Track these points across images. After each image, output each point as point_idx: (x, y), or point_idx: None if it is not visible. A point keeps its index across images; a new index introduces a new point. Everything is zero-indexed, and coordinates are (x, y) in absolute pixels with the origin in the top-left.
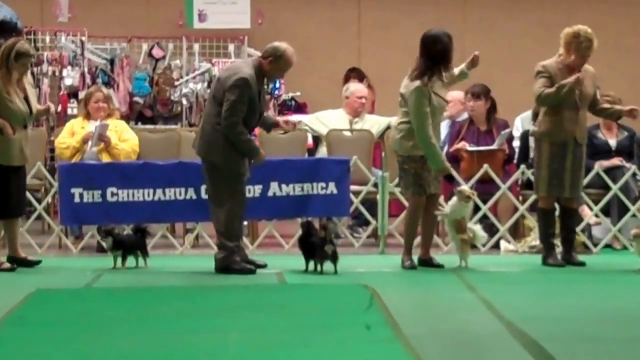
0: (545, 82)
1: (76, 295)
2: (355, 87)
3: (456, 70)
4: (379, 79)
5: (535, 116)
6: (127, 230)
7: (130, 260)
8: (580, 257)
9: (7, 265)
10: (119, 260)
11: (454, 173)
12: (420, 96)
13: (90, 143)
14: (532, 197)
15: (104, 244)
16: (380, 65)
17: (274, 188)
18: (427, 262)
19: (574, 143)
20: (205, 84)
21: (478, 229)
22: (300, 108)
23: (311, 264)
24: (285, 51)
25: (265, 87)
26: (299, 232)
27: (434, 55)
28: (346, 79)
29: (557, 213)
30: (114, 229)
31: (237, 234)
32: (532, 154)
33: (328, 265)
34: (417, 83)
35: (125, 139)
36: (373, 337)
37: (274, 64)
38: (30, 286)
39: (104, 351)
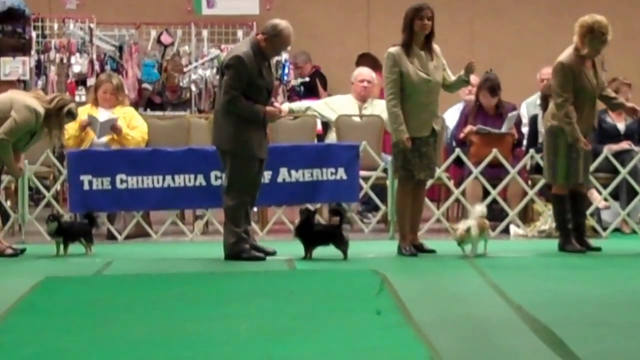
0: (568, 88)
1: (86, 283)
2: (359, 71)
3: (453, 77)
4: None
5: (544, 100)
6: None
7: (79, 248)
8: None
9: (11, 250)
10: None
11: (464, 158)
12: (387, 61)
13: (96, 132)
14: (541, 182)
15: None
16: None
17: (283, 174)
18: (417, 248)
19: (589, 134)
20: (214, 70)
21: (481, 209)
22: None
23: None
24: (283, 30)
25: (275, 72)
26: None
27: (410, 21)
28: (357, 65)
29: None
30: (62, 215)
31: (242, 222)
32: (540, 139)
33: (334, 250)
34: (391, 49)
35: (135, 126)
36: (383, 322)
37: (269, 42)
38: (39, 274)
39: (114, 338)
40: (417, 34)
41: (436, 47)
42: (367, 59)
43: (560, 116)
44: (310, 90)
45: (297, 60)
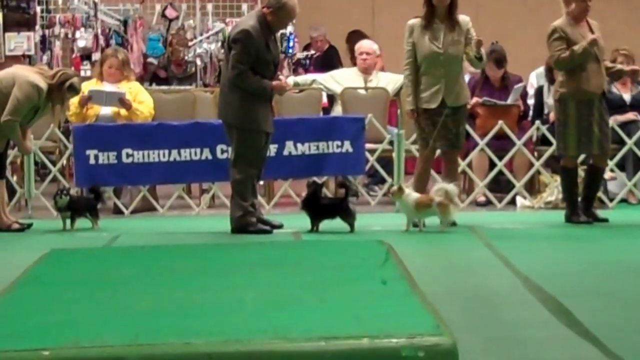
0: (560, 44)
1: (91, 255)
2: (360, 44)
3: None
4: (393, 37)
5: (548, 71)
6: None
7: (86, 223)
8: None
9: (17, 225)
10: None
11: (470, 130)
12: (405, 32)
13: (102, 102)
14: (548, 153)
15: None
16: (394, 24)
17: (289, 147)
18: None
19: (599, 97)
20: (219, 44)
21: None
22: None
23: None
24: (287, 3)
25: (280, 45)
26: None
27: None
28: (347, 41)
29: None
30: (69, 189)
31: (248, 195)
32: (546, 110)
33: (340, 223)
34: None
35: (141, 101)
36: (389, 291)
37: (275, 15)
38: (46, 248)
39: (120, 309)
40: (436, 7)
41: (464, 19)
42: (356, 36)
43: (568, 58)
44: (326, 65)
45: (314, 34)
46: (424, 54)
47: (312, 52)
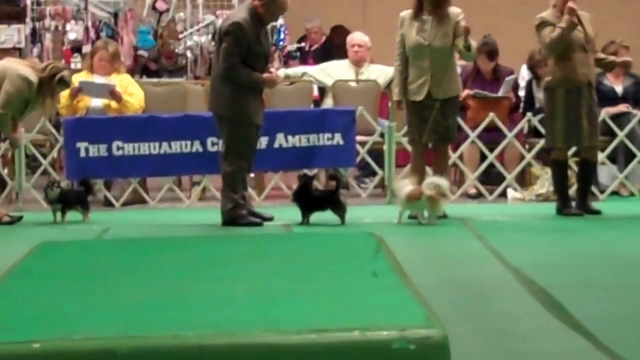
0: (550, 30)
1: (82, 247)
2: (351, 36)
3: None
4: (385, 29)
5: (531, 68)
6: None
7: (76, 215)
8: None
9: (7, 218)
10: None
11: (461, 122)
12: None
13: (92, 94)
14: (539, 145)
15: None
16: (385, 15)
17: (280, 139)
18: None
19: (587, 88)
20: (210, 37)
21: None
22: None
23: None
24: None
25: (270, 36)
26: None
27: None
28: (331, 36)
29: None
30: (60, 182)
31: (239, 188)
32: (537, 105)
33: (332, 215)
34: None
35: (131, 94)
36: (380, 284)
37: (266, 8)
38: (37, 241)
39: (111, 301)
40: None
41: (454, 12)
42: (339, 31)
43: (558, 36)
44: (326, 57)
45: (308, 26)
46: (410, 45)
47: (303, 44)
